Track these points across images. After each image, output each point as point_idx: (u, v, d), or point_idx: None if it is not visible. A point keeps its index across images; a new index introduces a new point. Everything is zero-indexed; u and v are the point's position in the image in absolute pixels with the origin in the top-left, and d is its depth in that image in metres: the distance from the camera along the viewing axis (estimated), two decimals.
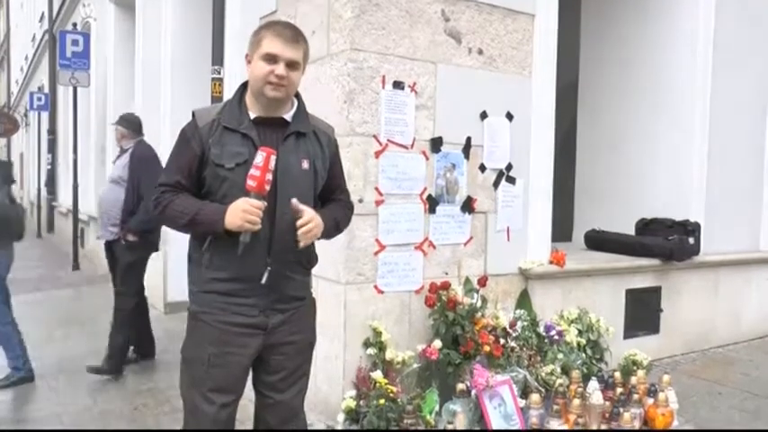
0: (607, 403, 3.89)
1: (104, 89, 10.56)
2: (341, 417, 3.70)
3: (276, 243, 2.31)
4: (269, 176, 2.19)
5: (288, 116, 2.39)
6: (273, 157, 2.20)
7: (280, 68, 2.27)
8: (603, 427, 3.48)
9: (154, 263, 5.50)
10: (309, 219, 2.28)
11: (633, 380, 4.25)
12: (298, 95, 2.46)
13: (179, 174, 2.33)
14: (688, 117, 5.79)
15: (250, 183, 2.18)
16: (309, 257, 2.49)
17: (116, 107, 9.95)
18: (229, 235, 2.21)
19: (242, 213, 2.17)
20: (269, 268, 2.29)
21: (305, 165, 2.38)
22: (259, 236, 2.24)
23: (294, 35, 2.33)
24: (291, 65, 2.30)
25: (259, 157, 2.18)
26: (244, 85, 2.42)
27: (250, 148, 2.26)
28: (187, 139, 2.33)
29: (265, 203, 2.21)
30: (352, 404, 3.68)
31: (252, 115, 2.34)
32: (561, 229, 6.21)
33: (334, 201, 2.59)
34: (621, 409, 3.78)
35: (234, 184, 2.25)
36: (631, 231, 5.87)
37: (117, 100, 9.99)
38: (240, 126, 2.30)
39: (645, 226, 5.81)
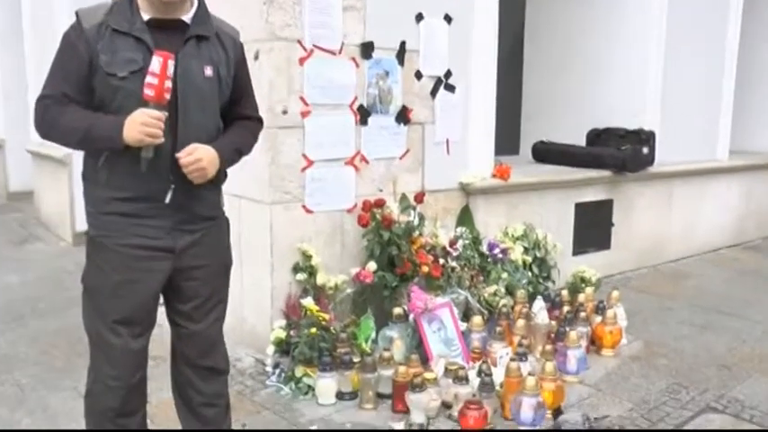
0: (553, 323, 3.88)
1: None
2: (270, 349, 3.63)
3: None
4: (168, 84, 2.04)
5: (187, 18, 2.19)
6: (171, 62, 2.05)
7: None
8: (548, 347, 3.38)
9: (58, 188, 5.07)
10: (189, 152, 2.13)
11: (581, 297, 4.21)
12: None
13: (65, 84, 2.13)
14: (644, 23, 5.64)
15: (147, 92, 2.03)
16: (218, 173, 2.31)
17: None
18: (129, 150, 2.07)
19: (141, 126, 2.03)
20: (173, 186, 2.17)
21: (208, 72, 2.22)
22: (161, 151, 2.10)
23: None
24: None
25: (155, 63, 2.02)
26: None
27: (145, 53, 2.08)
28: (72, 43, 2.11)
29: (166, 114, 2.07)
30: (282, 335, 3.60)
31: (145, 17, 2.12)
32: (508, 141, 6.13)
33: (236, 121, 2.43)
34: (568, 329, 3.72)
35: (129, 94, 2.08)
36: (583, 143, 5.79)
37: None
38: (132, 29, 2.10)
39: (596, 136, 5.77)
